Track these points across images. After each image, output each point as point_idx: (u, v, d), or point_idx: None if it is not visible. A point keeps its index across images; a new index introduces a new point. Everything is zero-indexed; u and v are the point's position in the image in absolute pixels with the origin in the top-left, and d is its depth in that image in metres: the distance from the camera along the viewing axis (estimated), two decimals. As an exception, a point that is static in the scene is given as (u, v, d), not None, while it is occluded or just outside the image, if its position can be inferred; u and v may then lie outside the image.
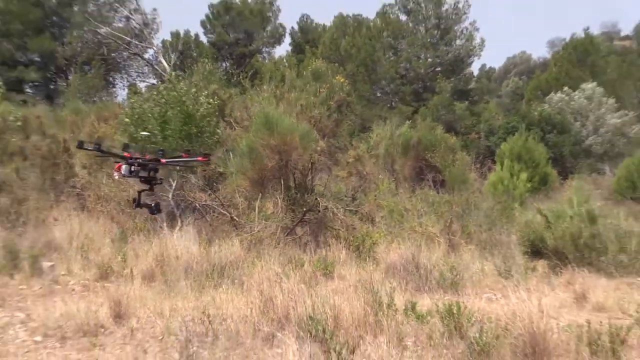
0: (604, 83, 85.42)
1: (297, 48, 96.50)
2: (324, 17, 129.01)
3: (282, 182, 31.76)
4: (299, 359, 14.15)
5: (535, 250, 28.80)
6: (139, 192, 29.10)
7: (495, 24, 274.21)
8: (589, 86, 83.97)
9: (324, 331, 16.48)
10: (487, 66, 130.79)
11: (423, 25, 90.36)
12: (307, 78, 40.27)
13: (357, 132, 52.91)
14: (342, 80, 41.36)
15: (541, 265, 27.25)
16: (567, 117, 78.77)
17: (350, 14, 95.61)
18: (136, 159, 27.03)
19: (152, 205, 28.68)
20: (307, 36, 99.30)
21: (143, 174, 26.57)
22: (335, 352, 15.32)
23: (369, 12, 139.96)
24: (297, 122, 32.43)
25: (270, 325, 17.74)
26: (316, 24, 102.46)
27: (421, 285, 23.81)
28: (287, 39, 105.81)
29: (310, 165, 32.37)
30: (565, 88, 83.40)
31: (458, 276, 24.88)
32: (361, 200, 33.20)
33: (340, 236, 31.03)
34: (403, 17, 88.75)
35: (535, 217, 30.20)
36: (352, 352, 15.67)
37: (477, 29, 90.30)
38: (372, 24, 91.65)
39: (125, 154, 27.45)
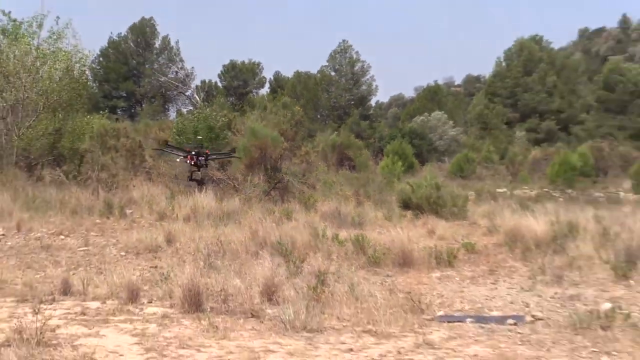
0: (445, 111, 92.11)
1: (273, 90, 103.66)
2: (289, 72, 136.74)
3: (263, 166, 33.50)
4: (272, 265, 15.34)
5: (406, 205, 30.61)
6: (191, 172, 33.68)
7: (385, 74, 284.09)
8: (437, 113, 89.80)
9: (286, 250, 18.18)
10: (380, 101, 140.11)
11: (344, 77, 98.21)
12: (278, 107, 44.64)
13: (306, 137, 56.99)
14: (299, 108, 45.32)
15: (409, 214, 29.45)
16: (425, 130, 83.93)
17: (303, 71, 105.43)
18: (197, 153, 32.26)
19: (200, 179, 33.71)
20: (279, 83, 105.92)
21: (193, 161, 32.41)
22: (292, 262, 16.90)
23: (314, 69, 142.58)
24: (271, 132, 36.03)
25: (255, 247, 19.52)
26: (284, 76, 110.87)
27: (341, 224, 25.63)
28: (267, 85, 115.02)
29: (279, 156, 35.22)
30: (425, 114, 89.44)
31: (362, 219, 26.76)
32: (308, 177, 36.73)
33: (296, 197, 32.50)
34: (332, 73, 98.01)
35: (406, 186, 32.16)
36: (302, 261, 17.26)
37: (375, 80, 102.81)
38: (315, 76, 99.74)
39: (187, 149, 32.75)
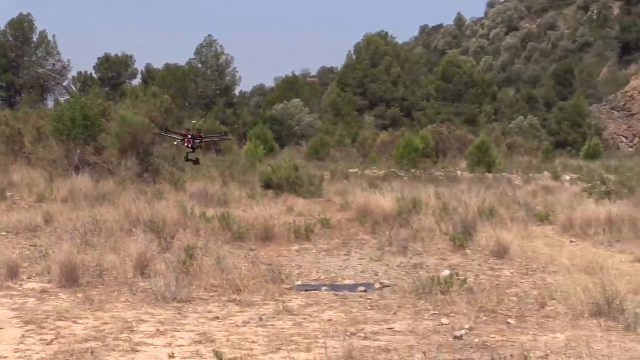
0: (303, 100, 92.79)
1: (145, 81, 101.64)
2: (159, 64, 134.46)
3: (136, 151, 32.95)
4: (144, 241, 15.10)
5: (267, 185, 30.51)
6: (187, 153, 33.23)
7: (248, 66, 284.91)
8: (295, 101, 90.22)
9: (157, 227, 17.95)
10: (243, 90, 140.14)
11: (210, 69, 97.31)
12: (149, 96, 43.70)
13: (176, 124, 56.33)
14: (168, 97, 44.55)
15: (270, 193, 29.35)
16: (284, 117, 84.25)
17: (172, 63, 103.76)
18: (192, 136, 32.65)
19: (195, 159, 33.65)
20: (150, 74, 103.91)
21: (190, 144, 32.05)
22: (163, 238, 16.73)
23: (182, 61, 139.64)
24: (143, 119, 35.46)
25: (129, 225, 19.14)
26: (155, 68, 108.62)
27: (208, 203, 25.40)
28: (139, 76, 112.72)
29: (150, 141, 35.07)
30: (284, 102, 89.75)
31: (227, 198, 26.66)
32: (177, 160, 36.31)
33: (167, 179, 31.96)
34: (200, 65, 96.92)
35: (267, 168, 32.01)
36: (173, 238, 17.13)
37: (238, 71, 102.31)
38: (184, 68, 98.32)
39: (184, 133, 33.12)
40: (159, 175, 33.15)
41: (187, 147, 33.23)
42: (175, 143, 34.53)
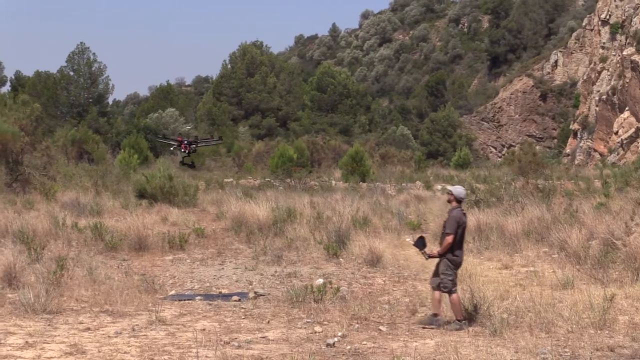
0: (177, 108, 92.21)
1: (14, 88, 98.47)
2: (29, 71, 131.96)
3: (4, 159, 33.41)
4: (13, 252, 14.77)
5: (141, 194, 30.36)
6: (183, 157, 38.00)
7: (121, 74, 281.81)
8: (170, 110, 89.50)
9: (27, 238, 17.47)
10: (117, 99, 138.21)
11: (82, 77, 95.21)
12: (19, 104, 42.52)
13: (47, 133, 55.11)
14: (38, 105, 43.63)
15: (144, 202, 29.19)
16: (159, 126, 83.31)
17: (43, 70, 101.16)
18: (188, 141, 34.29)
19: (191, 163, 38.35)
20: (20, 81, 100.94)
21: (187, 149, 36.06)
22: (33, 249, 16.25)
23: (53, 68, 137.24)
24: (12, 127, 34.75)
25: None
26: (25, 75, 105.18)
27: (81, 213, 25.08)
28: (8, 83, 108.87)
29: (20, 150, 34.24)
30: (159, 111, 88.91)
31: (100, 208, 26.41)
32: (48, 169, 35.40)
33: (37, 188, 31.35)
34: (71, 73, 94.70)
35: (141, 177, 31.76)
36: (43, 248, 16.62)
37: (111, 79, 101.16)
38: (55, 76, 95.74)
39: (179, 138, 34.88)
40: (29, 185, 32.42)
41: (183, 152, 35.43)
42: (172, 149, 35.73)
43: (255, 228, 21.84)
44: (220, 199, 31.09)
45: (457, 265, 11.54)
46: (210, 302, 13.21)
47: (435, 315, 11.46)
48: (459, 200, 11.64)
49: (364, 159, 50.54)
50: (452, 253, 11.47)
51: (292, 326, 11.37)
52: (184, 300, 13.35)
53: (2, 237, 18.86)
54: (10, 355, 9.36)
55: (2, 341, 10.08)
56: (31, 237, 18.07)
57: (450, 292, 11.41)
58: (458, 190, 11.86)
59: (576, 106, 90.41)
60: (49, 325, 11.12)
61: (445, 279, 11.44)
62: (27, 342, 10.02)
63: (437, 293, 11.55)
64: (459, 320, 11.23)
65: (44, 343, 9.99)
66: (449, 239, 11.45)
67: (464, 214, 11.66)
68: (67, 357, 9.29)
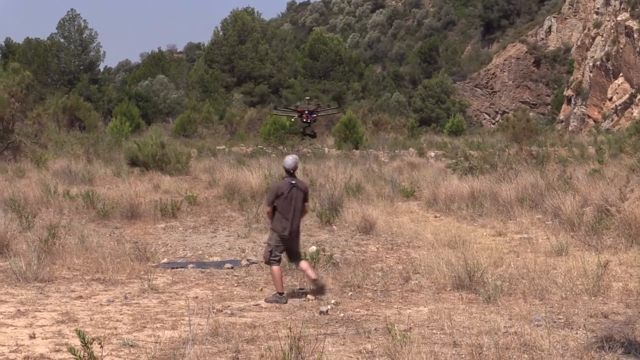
0: (169, 76, 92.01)
1: (4, 55, 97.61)
2: (20, 38, 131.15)
3: None
4: (5, 220, 14.72)
5: (133, 162, 30.30)
6: (304, 128, 39.23)
7: (113, 41, 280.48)
8: (161, 77, 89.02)
9: (18, 206, 17.42)
10: (108, 66, 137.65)
11: (73, 44, 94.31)
12: (9, 72, 42.23)
13: (38, 100, 54.79)
14: (28, 72, 43.31)
15: (136, 170, 29.12)
16: (150, 93, 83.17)
17: (33, 37, 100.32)
18: (309, 111, 34.94)
19: (312, 133, 39.22)
20: (10, 49, 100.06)
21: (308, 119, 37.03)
22: (24, 217, 16.29)
23: (44, 35, 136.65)
24: (2, 94, 34.35)
25: None
26: (15, 42, 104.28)
27: (72, 181, 25.05)
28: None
29: (11, 117, 34.06)
30: (150, 78, 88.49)
31: (92, 176, 26.38)
32: (40, 137, 35.36)
33: (28, 156, 31.37)
34: (62, 40, 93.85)
35: (133, 145, 31.70)
36: (34, 216, 16.77)
37: (102, 46, 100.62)
38: (46, 43, 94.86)
39: (299, 109, 35.20)
40: (20, 153, 32.30)
41: (304, 121, 38.30)
42: (293, 120, 36.44)
43: (248, 195, 21.84)
44: (212, 166, 31.06)
45: (280, 237, 11.36)
46: (203, 270, 13.22)
47: (313, 280, 11.35)
48: (287, 171, 11.49)
49: (357, 126, 50.39)
50: (274, 224, 11.41)
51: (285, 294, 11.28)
52: (177, 268, 13.35)
53: (-7, 205, 18.71)
54: (2, 323, 9.35)
55: (-6, 309, 9.92)
56: (22, 205, 18.03)
57: (268, 263, 11.37)
58: (285, 160, 11.71)
59: (570, 72, 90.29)
60: (40, 293, 11.11)
61: (265, 249, 11.52)
62: (18, 310, 10.02)
63: (302, 263, 11.57)
64: (280, 294, 11.08)
65: (36, 311, 9.99)
66: (267, 209, 11.64)
67: (293, 184, 11.42)
68: (59, 325, 9.27)
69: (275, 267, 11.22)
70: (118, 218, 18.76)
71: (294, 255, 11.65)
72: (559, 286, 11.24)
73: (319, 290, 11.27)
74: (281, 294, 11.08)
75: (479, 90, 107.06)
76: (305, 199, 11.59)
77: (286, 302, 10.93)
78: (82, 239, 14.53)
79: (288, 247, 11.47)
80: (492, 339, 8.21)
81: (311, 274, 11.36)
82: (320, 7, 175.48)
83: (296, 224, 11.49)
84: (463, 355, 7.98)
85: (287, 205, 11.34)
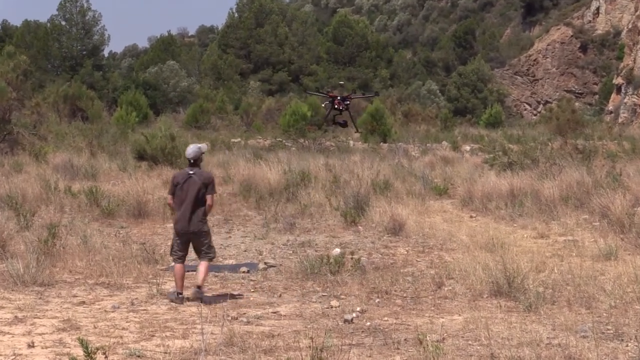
0: (179, 62, 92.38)
1: (1, 39, 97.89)
2: (17, 20, 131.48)
3: None
4: (1, 219, 14.90)
5: (141, 156, 30.27)
6: (334, 115, 36.53)
7: (118, 24, 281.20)
8: (171, 63, 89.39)
9: (16, 203, 17.63)
10: (113, 51, 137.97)
11: (75, 27, 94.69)
12: (5, 57, 42.51)
13: (37, 88, 55.14)
14: (25, 57, 43.59)
15: (144, 164, 29.24)
16: (159, 81, 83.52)
17: (32, 19, 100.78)
18: (342, 97, 34.05)
19: (343, 122, 36.67)
20: (7, 32, 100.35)
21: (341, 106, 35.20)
22: (22, 215, 16.34)
23: (44, 17, 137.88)
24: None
25: None
26: (12, 25, 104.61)
27: (74, 176, 25.23)
28: None
29: (7, 107, 34.29)
30: (159, 64, 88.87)
31: (95, 171, 26.54)
32: (39, 128, 35.59)
33: (27, 149, 31.58)
34: (63, 22, 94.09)
35: (140, 137, 31.73)
36: (33, 214, 16.82)
37: (106, 30, 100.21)
38: (46, 26, 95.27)
39: (332, 94, 34.54)
40: (18, 145, 32.46)
41: (336, 108, 35.26)
42: (323, 105, 35.91)
43: (266, 193, 21.91)
44: (227, 160, 31.13)
45: (174, 230, 11.59)
46: (217, 274, 13.24)
47: (198, 286, 11.43)
48: (188, 160, 11.61)
49: (385, 117, 50.35)
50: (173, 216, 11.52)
51: (306, 300, 11.38)
52: (188, 271, 13.28)
53: (-11, 202, 18.88)
54: (-2, 331, 9.27)
55: (-10, 316, 10.01)
56: (20, 203, 18.17)
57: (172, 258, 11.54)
58: (186, 148, 11.83)
59: (620, 58, 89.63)
60: (40, 298, 11.16)
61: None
62: (16, 316, 10.06)
63: (202, 264, 11.63)
64: (179, 294, 11.18)
65: (35, 318, 10.02)
66: (168, 198, 11.95)
67: (191, 174, 11.47)
68: (60, 333, 9.29)
69: (178, 266, 11.43)
70: (124, 217, 18.85)
71: (199, 254, 11.69)
72: (607, 294, 11.16)
73: (193, 298, 11.27)
74: (179, 293, 11.21)
75: (519, 78, 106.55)
76: (206, 191, 11.55)
77: (182, 303, 11.05)
78: (85, 239, 14.59)
79: (187, 243, 11.60)
80: (533, 351, 8.18)
81: (200, 279, 11.41)
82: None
83: (191, 217, 11.47)
84: (501, 369, 7.94)
85: (181, 196, 11.47)
